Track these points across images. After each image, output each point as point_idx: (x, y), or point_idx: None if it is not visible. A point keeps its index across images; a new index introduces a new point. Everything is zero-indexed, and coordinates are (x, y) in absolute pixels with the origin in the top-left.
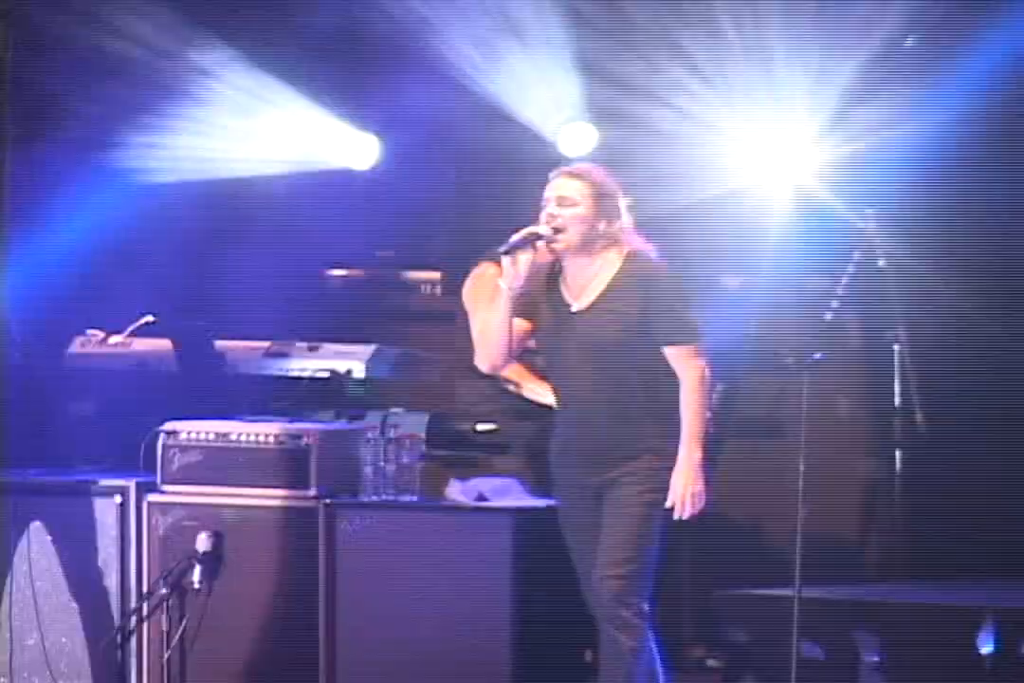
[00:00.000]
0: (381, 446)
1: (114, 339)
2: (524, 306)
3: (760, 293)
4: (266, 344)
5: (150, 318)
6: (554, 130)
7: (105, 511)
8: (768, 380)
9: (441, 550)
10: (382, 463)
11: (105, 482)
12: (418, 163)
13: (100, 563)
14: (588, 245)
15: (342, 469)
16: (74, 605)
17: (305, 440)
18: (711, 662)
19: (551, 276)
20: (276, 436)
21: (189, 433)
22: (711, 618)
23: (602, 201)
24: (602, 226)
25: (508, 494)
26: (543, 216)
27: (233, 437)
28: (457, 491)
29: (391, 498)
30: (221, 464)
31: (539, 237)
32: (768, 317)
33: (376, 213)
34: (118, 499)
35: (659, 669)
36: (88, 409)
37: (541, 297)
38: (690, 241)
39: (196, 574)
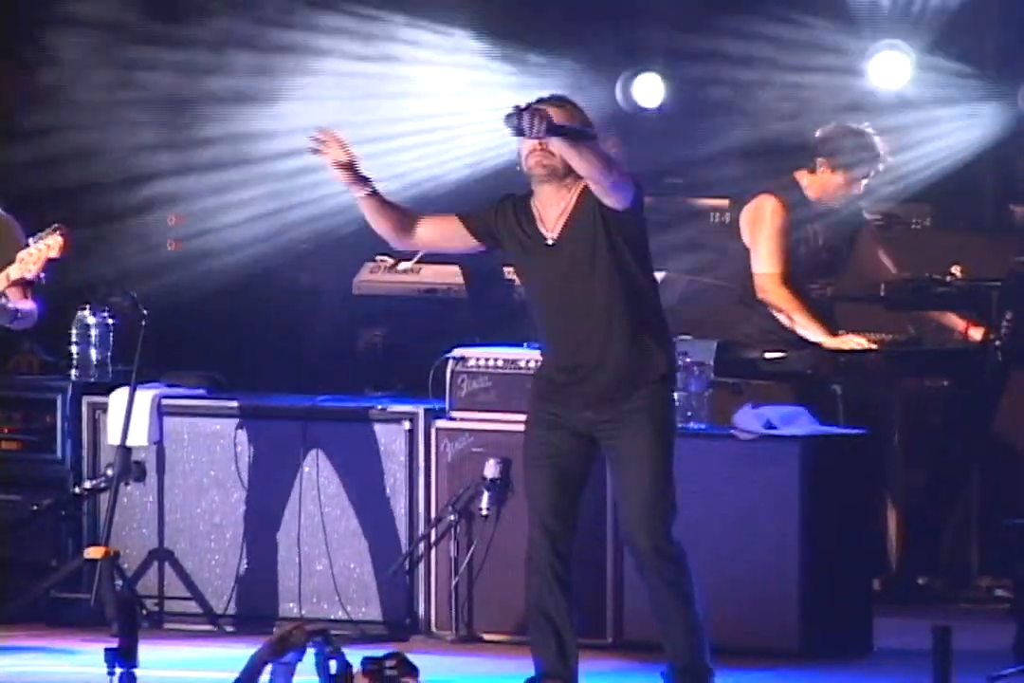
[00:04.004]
0: None
1: (403, 265)
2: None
3: None
4: None
5: None
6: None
7: (393, 437)
8: None
9: (729, 478)
10: None
11: (394, 408)
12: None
13: (388, 489)
14: (564, 175)
15: None
16: (362, 531)
17: None
18: (999, 592)
19: (523, 210)
20: None
21: (478, 360)
22: (1000, 548)
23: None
24: None
25: (796, 422)
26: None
27: (522, 364)
28: (746, 418)
29: (680, 425)
30: (510, 391)
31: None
32: None
33: (667, 144)
34: (407, 425)
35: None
36: (377, 335)
37: (516, 229)
38: None
39: (484, 500)
